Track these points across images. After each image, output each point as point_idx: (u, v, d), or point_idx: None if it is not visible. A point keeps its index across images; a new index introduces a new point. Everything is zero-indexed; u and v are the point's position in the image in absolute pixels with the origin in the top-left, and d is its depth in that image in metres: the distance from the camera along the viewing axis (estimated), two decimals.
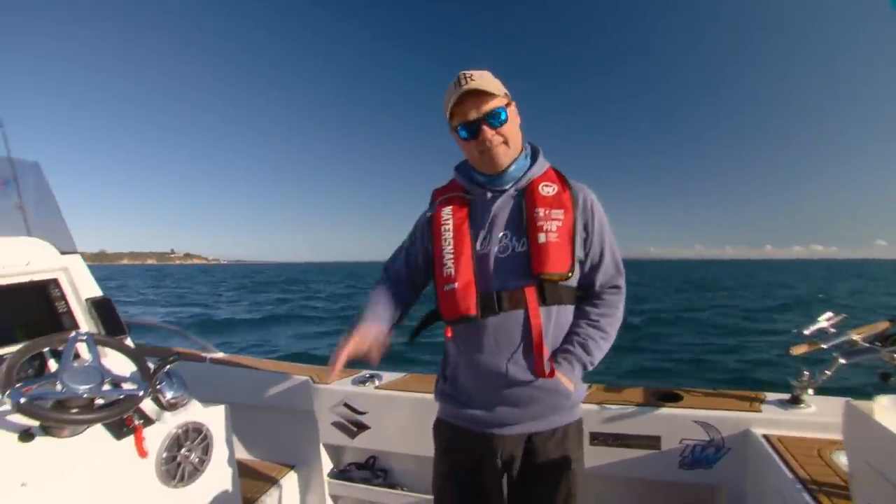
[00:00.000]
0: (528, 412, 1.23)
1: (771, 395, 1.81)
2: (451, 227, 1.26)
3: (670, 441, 1.74)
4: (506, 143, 1.22)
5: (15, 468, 1.20)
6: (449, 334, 1.28)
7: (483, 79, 1.18)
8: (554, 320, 1.23)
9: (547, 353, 1.20)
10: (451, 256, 1.23)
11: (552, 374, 1.18)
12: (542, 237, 1.18)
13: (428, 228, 1.33)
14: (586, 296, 1.31)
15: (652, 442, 1.76)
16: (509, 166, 1.25)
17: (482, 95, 1.17)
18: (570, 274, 1.20)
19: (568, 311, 1.26)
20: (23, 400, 1.17)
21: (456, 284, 1.21)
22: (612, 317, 1.29)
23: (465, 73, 1.18)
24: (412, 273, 1.41)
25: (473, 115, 1.18)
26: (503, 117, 1.20)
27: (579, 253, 1.24)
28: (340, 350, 1.19)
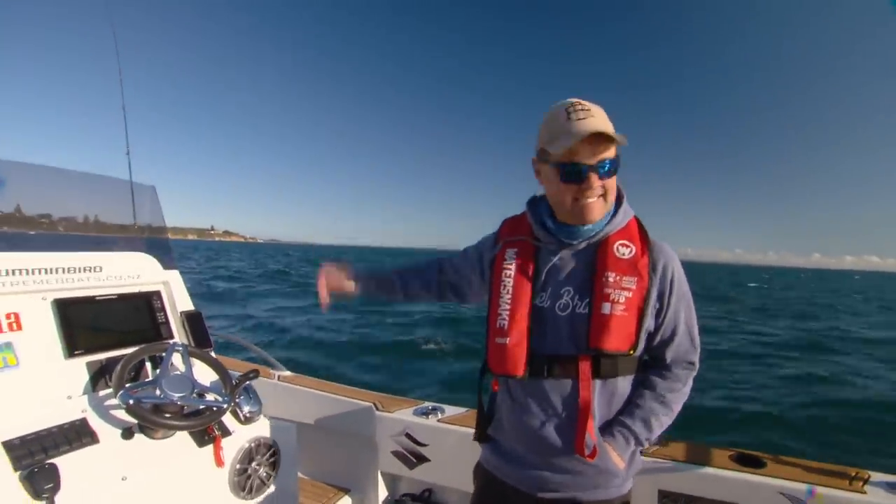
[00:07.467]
0: (573, 481, 1.13)
1: (877, 476, 1.61)
2: (512, 273, 1.17)
3: None
4: (604, 196, 1.09)
5: (118, 462, 1.32)
6: (496, 387, 1.23)
7: (604, 119, 1.05)
8: (610, 391, 1.13)
9: (593, 429, 1.08)
10: (508, 308, 1.14)
11: (594, 455, 1.06)
12: (606, 307, 1.06)
13: (489, 267, 1.25)
14: (654, 364, 1.19)
15: None
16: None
17: (603, 140, 1.03)
18: (632, 352, 1.10)
19: (628, 380, 1.15)
20: (131, 401, 1.30)
21: (508, 340, 1.12)
22: (679, 392, 1.16)
23: (581, 105, 1.05)
24: (450, 279, 1.39)
25: (588, 160, 1.03)
26: (613, 167, 1.07)
27: (649, 323, 1.12)
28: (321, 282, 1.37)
